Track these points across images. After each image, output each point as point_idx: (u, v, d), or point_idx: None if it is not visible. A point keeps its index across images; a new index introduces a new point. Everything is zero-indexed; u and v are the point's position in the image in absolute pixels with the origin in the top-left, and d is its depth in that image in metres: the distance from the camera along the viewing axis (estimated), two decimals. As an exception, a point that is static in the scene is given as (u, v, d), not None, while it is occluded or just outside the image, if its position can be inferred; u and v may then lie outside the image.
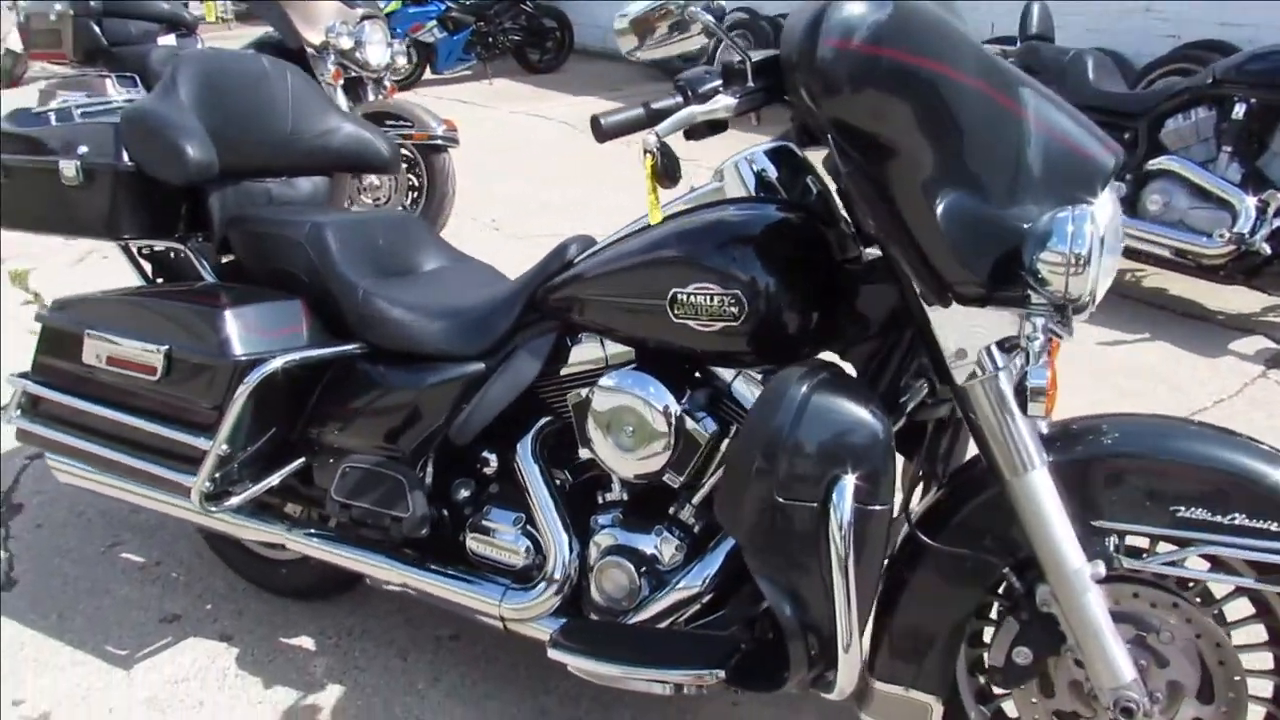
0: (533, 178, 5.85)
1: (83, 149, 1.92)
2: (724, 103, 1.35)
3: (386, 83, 4.73)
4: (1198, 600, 1.45)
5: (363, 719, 1.93)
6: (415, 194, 4.55)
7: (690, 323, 1.51)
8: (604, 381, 1.60)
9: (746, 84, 1.40)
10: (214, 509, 1.84)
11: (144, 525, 2.53)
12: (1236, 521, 1.36)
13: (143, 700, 2.00)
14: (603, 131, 1.35)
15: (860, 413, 1.36)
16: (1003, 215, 1.29)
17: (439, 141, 4.38)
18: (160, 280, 2.18)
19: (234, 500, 1.85)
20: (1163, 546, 1.43)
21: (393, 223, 2.08)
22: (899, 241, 1.30)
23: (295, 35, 4.47)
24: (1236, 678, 1.44)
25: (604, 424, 1.60)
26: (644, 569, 1.64)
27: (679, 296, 1.51)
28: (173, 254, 2.09)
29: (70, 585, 2.35)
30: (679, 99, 1.36)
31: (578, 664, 1.59)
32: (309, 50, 4.45)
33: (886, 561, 1.48)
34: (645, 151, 1.29)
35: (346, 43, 4.46)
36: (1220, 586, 1.46)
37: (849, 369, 1.56)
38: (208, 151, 1.87)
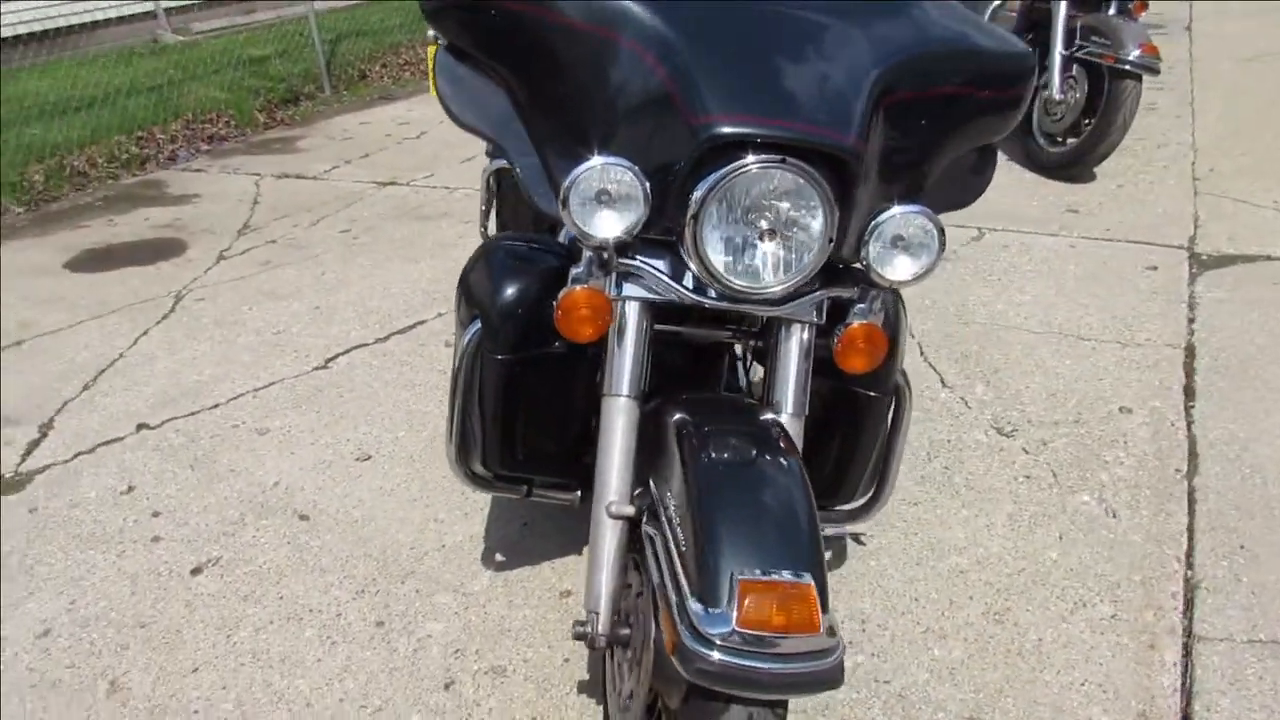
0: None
1: None
2: None
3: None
4: None
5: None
6: (1089, 118, 4.38)
7: None
8: None
9: None
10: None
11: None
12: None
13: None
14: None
15: (501, 278, 1.68)
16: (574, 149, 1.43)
17: (1126, 67, 4.11)
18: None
19: None
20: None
21: None
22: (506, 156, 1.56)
23: None
24: None
25: None
26: None
27: None
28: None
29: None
30: None
31: None
32: None
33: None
34: (427, 44, 1.76)
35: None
36: None
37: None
38: None
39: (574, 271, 1.49)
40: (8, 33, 6.90)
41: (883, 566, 2.19)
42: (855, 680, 1.90)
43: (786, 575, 1.24)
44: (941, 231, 1.43)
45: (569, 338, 1.49)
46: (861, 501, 1.88)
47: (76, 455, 2.77)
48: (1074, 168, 4.55)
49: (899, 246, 1.44)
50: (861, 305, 1.53)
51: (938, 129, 1.53)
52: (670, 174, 1.37)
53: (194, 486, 2.60)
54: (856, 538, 2.26)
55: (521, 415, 1.78)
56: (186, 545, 2.37)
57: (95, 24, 8.10)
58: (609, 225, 1.39)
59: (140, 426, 2.90)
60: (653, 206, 1.39)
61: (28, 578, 2.28)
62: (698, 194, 1.34)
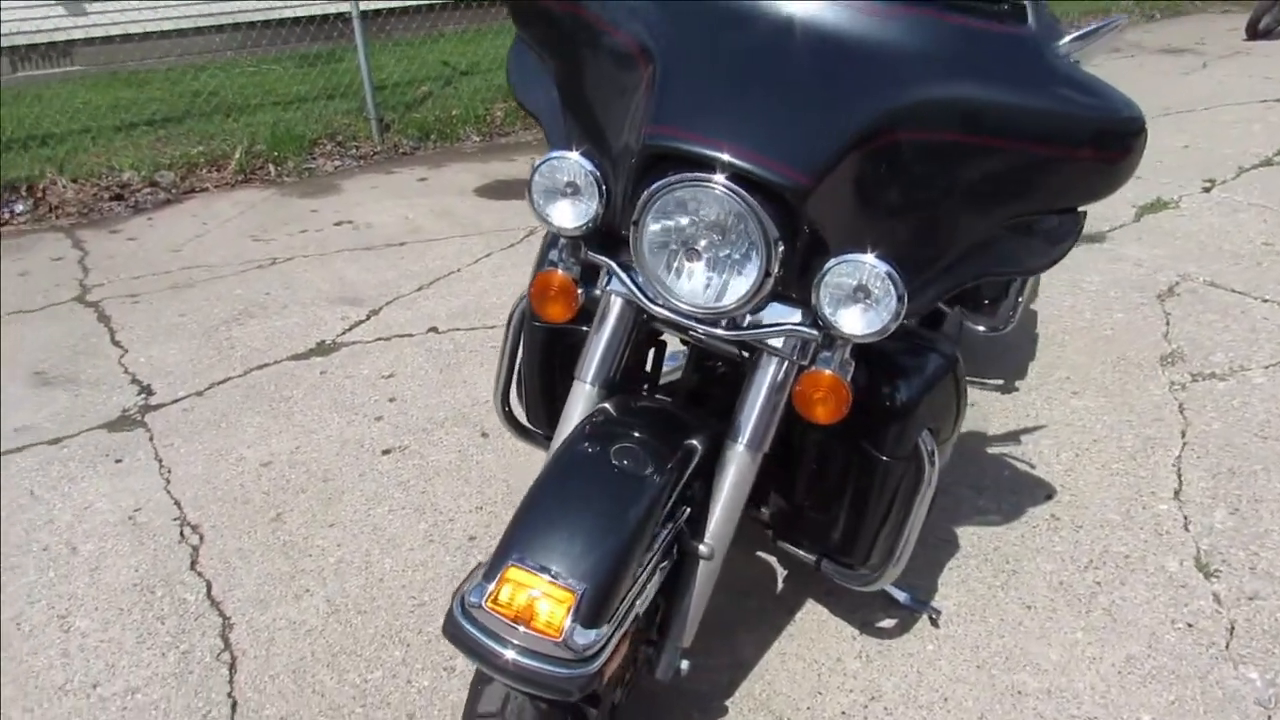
0: None
1: None
2: None
3: None
4: None
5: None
6: None
7: None
8: None
9: None
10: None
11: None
12: None
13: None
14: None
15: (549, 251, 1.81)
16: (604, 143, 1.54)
17: None
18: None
19: None
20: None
21: None
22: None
23: None
24: None
25: None
26: None
27: None
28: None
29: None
30: None
31: None
32: None
33: None
34: None
35: None
36: None
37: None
38: None
39: (550, 254, 1.59)
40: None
41: (938, 653, 1.98)
42: (818, 749, 1.79)
43: (551, 576, 1.28)
44: (901, 296, 1.33)
45: (538, 314, 1.61)
46: (875, 563, 1.76)
47: (377, 339, 3.40)
48: None
49: (857, 298, 1.36)
50: (826, 353, 1.45)
51: (1002, 184, 1.40)
52: (628, 178, 1.43)
53: (431, 386, 3.07)
54: (933, 619, 2.06)
55: (558, 382, 1.92)
56: (393, 430, 2.84)
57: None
58: (564, 216, 1.49)
59: (430, 329, 3.46)
60: (614, 207, 1.46)
61: (286, 421, 2.91)
62: (639, 201, 1.39)
